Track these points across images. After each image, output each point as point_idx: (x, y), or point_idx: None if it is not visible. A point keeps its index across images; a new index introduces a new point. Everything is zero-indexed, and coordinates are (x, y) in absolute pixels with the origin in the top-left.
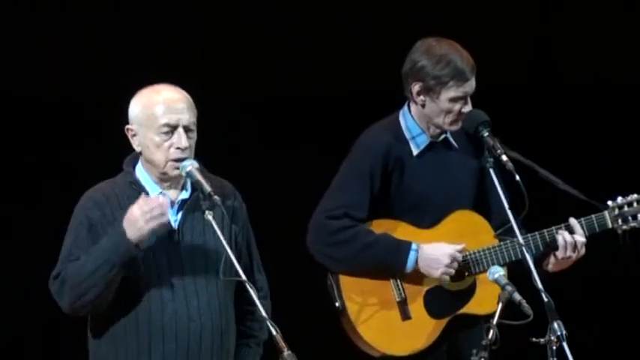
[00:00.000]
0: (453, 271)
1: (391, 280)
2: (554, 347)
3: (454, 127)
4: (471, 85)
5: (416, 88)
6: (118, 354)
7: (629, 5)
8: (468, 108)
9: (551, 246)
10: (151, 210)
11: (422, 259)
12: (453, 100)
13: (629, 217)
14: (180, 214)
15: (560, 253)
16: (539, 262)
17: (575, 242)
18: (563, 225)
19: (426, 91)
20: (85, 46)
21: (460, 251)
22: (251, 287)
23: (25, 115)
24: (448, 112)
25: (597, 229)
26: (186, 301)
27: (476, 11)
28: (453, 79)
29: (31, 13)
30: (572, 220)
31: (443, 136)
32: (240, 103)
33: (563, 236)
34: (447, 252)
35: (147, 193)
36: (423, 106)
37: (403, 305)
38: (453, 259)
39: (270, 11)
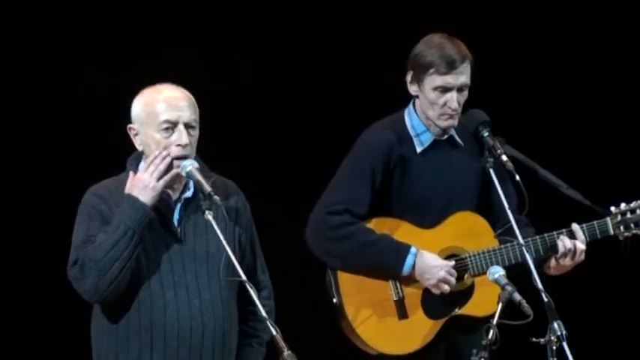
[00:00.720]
0: (446, 288)
1: (389, 279)
2: (554, 347)
3: (446, 124)
4: (456, 79)
5: (408, 77)
6: (120, 352)
7: (631, 4)
8: (454, 104)
9: (552, 250)
10: (156, 167)
11: (419, 265)
12: (436, 89)
13: (632, 224)
14: (182, 214)
15: (559, 259)
16: (539, 265)
17: (575, 249)
18: (564, 230)
19: (415, 79)
20: (85, 46)
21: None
22: (251, 287)
23: (26, 116)
24: (433, 103)
25: (599, 236)
26: (188, 300)
27: (477, 11)
28: (437, 65)
29: (31, 13)
30: (575, 226)
31: (448, 134)
32: (240, 103)
33: (563, 242)
34: (444, 265)
35: None
36: (417, 97)
37: (400, 304)
38: (449, 274)
39: (271, 11)
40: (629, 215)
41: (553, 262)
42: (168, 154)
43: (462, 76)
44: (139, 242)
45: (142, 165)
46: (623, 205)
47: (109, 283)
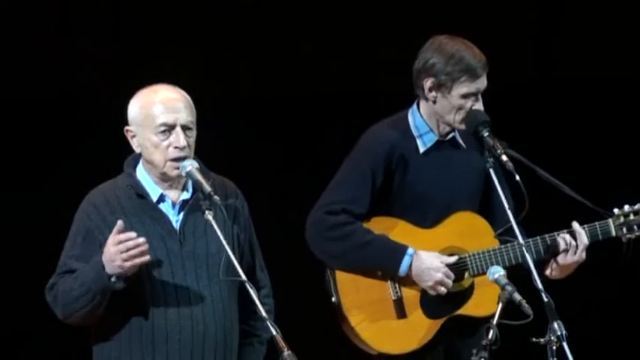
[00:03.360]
0: (443, 290)
1: (388, 279)
2: (554, 347)
3: (464, 126)
4: (482, 82)
5: (428, 84)
6: (122, 354)
7: (631, 4)
8: (479, 105)
9: (553, 251)
10: (127, 250)
11: (415, 266)
12: (465, 96)
13: (635, 226)
14: (181, 215)
15: (561, 257)
16: (540, 268)
17: (577, 245)
18: (565, 231)
19: (438, 86)
20: (85, 46)
21: (450, 264)
22: (251, 287)
23: (25, 115)
24: (459, 108)
25: (600, 237)
26: (189, 301)
27: (477, 10)
28: (465, 74)
29: (30, 12)
30: (576, 225)
31: (451, 135)
32: (240, 102)
33: (564, 239)
34: (440, 266)
35: (146, 195)
36: (435, 102)
37: (399, 304)
38: (445, 276)
39: (271, 10)
40: (632, 217)
41: (554, 264)
42: (147, 248)
43: (485, 79)
44: (104, 299)
45: (140, 167)
46: (626, 207)
47: (76, 321)
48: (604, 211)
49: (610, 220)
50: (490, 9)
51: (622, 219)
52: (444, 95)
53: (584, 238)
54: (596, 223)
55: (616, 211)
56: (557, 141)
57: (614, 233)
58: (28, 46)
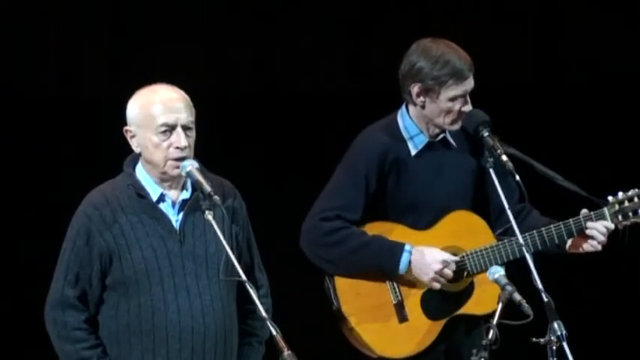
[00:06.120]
0: (443, 280)
1: (387, 282)
2: (554, 347)
3: (454, 127)
4: (470, 83)
5: (415, 89)
6: (122, 354)
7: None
8: (468, 107)
9: (551, 244)
10: None
11: (414, 261)
12: (453, 99)
13: (630, 213)
14: (181, 215)
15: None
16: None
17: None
18: (561, 223)
19: (426, 91)
20: (84, 45)
21: (454, 262)
22: (251, 287)
23: (25, 115)
24: (448, 111)
25: None
26: (189, 301)
27: (477, 11)
28: (452, 78)
29: (29, 12)
30: (591, 224)
31: (441, 136)
32: (240, 102)
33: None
34: (439, 258)
35: (146, 195)
36: (423, 107)
37: (400, 307)
38: (445, 266)
39: (271, 10)
40: (626, 204)
41: (586, 245)
42: None
43: (472, 80)
44: None
45: (140, 167)
46: (620, 194)
47: None
48: (598, 199)
49: (605, 209)
50: (488, 9)
51: (617, 207)
52: (433, 100)
53: (602, 228)
54: (592, 212)
55: (610, 199)
56: (556, 141)
57: (610, 221)
58: (27, 46)
